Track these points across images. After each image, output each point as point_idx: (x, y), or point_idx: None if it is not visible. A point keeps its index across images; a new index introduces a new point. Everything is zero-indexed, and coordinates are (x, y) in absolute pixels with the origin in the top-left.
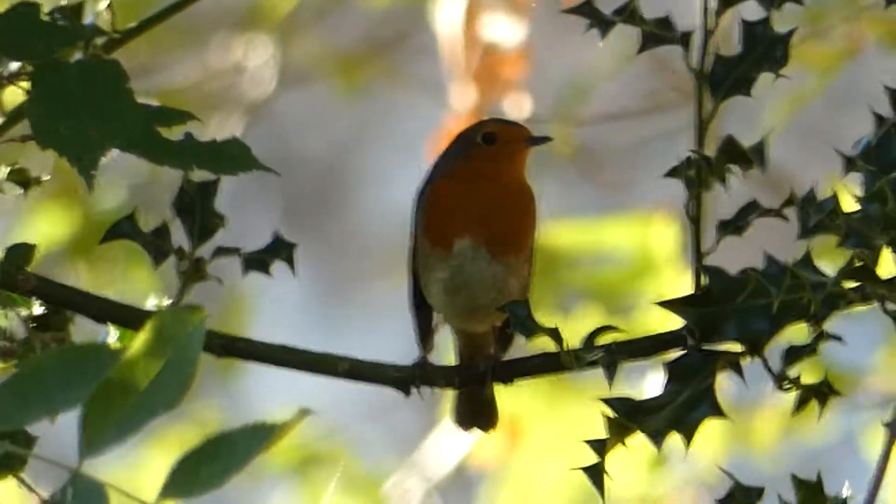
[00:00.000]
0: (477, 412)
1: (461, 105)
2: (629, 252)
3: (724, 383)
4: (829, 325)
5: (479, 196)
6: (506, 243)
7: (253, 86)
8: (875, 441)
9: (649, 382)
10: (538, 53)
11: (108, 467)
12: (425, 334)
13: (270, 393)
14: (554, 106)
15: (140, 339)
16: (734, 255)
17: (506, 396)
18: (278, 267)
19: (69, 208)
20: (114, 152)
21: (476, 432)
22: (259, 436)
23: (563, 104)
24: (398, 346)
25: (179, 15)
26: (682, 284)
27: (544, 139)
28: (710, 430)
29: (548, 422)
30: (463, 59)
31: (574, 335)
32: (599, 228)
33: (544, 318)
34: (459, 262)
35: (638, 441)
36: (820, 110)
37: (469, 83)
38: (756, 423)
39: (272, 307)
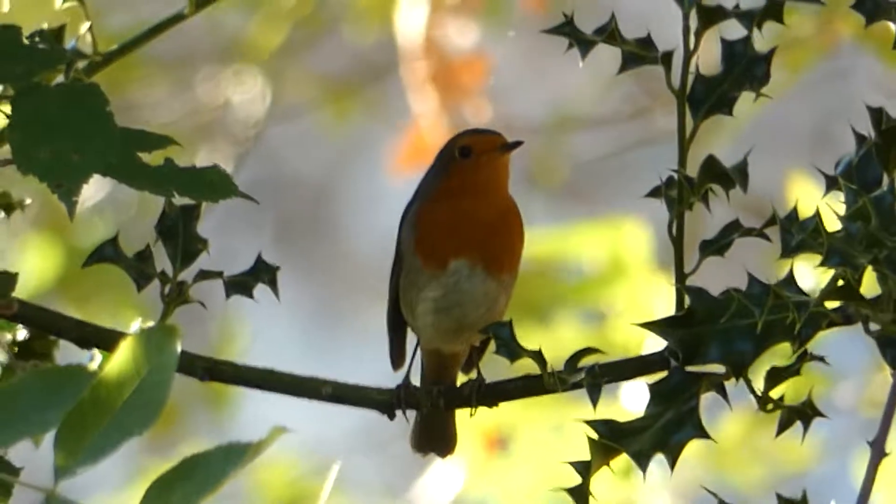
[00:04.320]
0: (436, 437)
1: (423, 113)
2: (602, 258)
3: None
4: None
5: (473, 214)
6: (501, 261)
7: (242, 117)
8: (860, 459)
9: (625, 391)
10: (522, 70)
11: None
12: (399, 355)
13: (264, 430)
14: (543, 126)
15: (115, 360)
16: (717, 276)
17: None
18: (268, 292)
19: (57, 244)
20: (102, 187)
21: (433, 457)
22: (233, 456)
23: (552, 126)
24: (391, 372)
25: (167, 50)
26: (656, 288)
27: (517, 144)
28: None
29: (535, 433)
30: (422, 68)
31: (551, 345)
32: (572, 236)
33: (520, 328)
34: (455, 280)
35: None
36: (808, 133)
37: (428, 91)
38: (732, 433)
39: (264, 332)
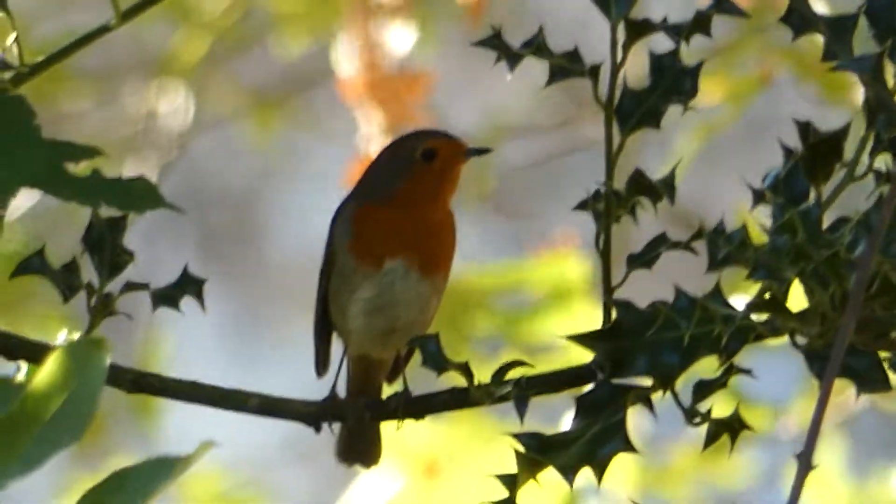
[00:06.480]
0: (361, 448)
1: (371, 132)
2: (543, 290)
3: (641, 421)
4: (747, 361)
5: (416, 216)
6: (436, 263)
7: (167, 129)
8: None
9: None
10: (452, 79)
11: None
12: (324, 362)
13: (193, 443)
14: (473, 135)
15: (43, 373)
16: (646, 288)
17: (424, 435)
18: (193, 303)
19: None
20: (30, 197)
21: (359, 468)
22: (162, 469)
23: (483, 135)
24: (317, 382)
25: (92, 61)
26: (596, 318)
27: (484, 150)
28: (626, 468)
29: (467, 461)
30: (364, 85)
31: (489, 375)
32: (512, 268)
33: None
34: (390, 280)
35: (553, 478)
36: (735, 141)
37: (375, 108)
38: (673, 462)
39: (189, 342)
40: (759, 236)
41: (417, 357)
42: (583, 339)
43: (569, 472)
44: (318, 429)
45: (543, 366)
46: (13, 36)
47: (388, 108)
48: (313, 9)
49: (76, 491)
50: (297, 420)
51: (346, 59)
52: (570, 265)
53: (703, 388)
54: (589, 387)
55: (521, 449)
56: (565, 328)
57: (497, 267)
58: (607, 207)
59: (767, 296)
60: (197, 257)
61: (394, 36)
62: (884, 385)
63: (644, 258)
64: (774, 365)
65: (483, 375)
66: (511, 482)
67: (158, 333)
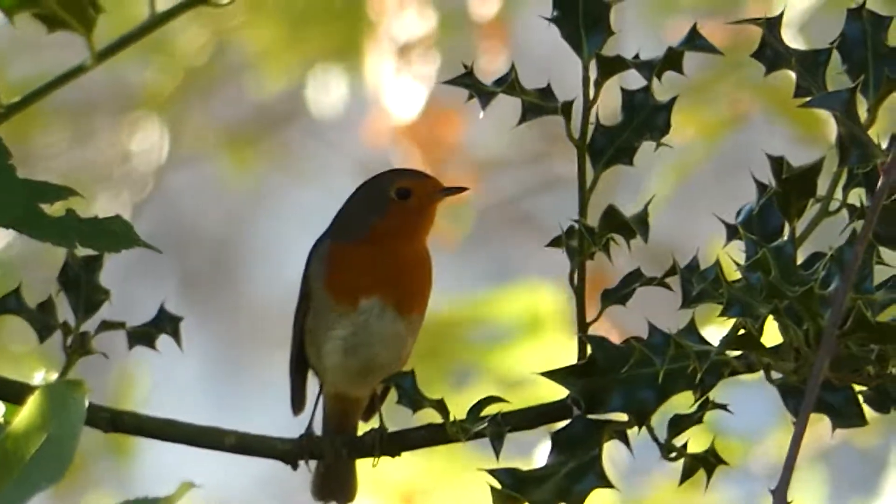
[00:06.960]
0: (337, 485)
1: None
2: (518, 323)
3: (616, 453)
4: (721, 392)
5: (391, 254)
6: (412, 303)
7: (141, 166)
8: None
9: (541, 451)
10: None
11: None
12: (299, 399)
13: (169, 481)
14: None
15: (22, 414)
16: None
17: (400, 467)
18: (170, 341)
19: None
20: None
21: None
22: None
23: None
24: (294, 421)
25: (65, 99)
26: (570, 347)
27: (459, 189)
28: (601, 502)
29: (443, 493)
30: (401, 124)
31: (465, 409)
32: (487, 301)
33: (436, 393)
34: (365, 318)
35: None
36: (708, 177)
37: (413, 147)
38: (649, 495)
39: (166, 381)
40: (732, 273)
41: (393, 393)
42: (558, 376)
43: None
44: (294, 466)
45: (519, 395)
46: None
47: (425, 147)
48: (288, 46)
49: None
50: (273, 458)
51: (375, 99)
52: (544, 296)
53: (679, 424)
54: (564, 422)
55: (497, 485)
56: (540, 358)
57: (471, 298)
58: (581, 244)
59: (742, 332)
60: (174, 295)
61: (419, 74)
62: (859, 420)
63: (619, 294)
64: (748, 396)
65: (459, 407)
66: None
67: (135, 372)
